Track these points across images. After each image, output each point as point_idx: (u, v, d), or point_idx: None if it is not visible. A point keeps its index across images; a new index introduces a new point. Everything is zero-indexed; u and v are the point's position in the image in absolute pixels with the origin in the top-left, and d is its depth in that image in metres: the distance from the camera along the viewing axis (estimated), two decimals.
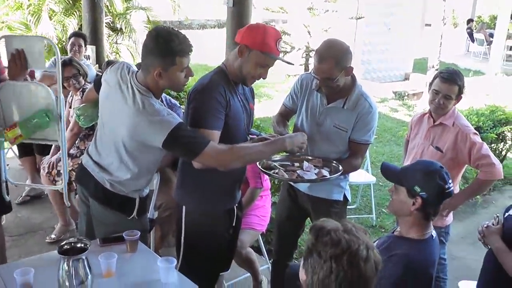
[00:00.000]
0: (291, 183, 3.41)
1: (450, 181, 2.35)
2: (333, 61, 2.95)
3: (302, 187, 3.35)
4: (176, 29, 2.61)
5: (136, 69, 2.75)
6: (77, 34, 6.09)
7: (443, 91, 3.40)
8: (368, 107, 3.12)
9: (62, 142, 3.72)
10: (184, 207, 2.90)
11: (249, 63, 2.73)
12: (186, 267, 2.92)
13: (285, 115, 3.49)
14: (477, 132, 3.53)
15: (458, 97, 3.45)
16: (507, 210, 2.76)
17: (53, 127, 3.64)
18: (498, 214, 2.77)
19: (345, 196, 3.34)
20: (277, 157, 3.31)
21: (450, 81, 3.38)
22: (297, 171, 3.04)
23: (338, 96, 3.13)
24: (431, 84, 3.52)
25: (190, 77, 2.68)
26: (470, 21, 20.00)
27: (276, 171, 3.04)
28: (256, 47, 2.69)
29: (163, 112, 2.55)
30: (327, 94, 3.17)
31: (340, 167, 3.04)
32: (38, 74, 5.11)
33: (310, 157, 3.19)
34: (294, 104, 3.40)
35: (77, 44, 5.80)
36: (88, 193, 2.89)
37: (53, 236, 4.53)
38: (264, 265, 4.18)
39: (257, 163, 3.06)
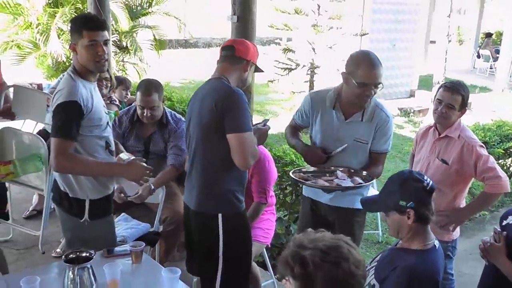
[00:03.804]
0: (312, 198, 3.50)
1: (425, 177, 2.37)
2: (382, 67, 3.13)
3: (324, 199, 3.40)
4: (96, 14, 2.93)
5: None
6: None
7: (445, 100, 3.39)
8: (385, 117, 3.27)
9: (47, 192, 3.83)
10: (220, 215, 2.92)
11: (251, 74, 3.07)
12: (230, 282, 3.00)
13: (296, 128, 3.63)
14: (483, 145, 3.50)
15: (462, 110, 3.42)
16: (504, 217, 2.72)
17: (43, 173, 3.83)
18: (498, 229, 2.71)
19: None
20: (310, 168, 3.41)
21: (453, 90, 3.38)
22: (334, 180, 3.15)
23: (354, 110, 3.24)
24: (435, 95, 3.52)
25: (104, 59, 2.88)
26: (489, 35, 19.81)
27: (314, 180, 3.18)
28: (255, 61, 3.06)
29: (69, 86, 2.79)
30: (343, 110, 3.26)
31: (370, 175, 3.21)
32: (46, 91, 5.23)
33: (340, 168, 3.29)
34: (304, 122, 3.52)
35: None
36: (53, 201, 3.05)
37: (58, 250, 4.53)
38: (269, 280, 4.17)
39: (291, 173, 3.29)
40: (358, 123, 3.25)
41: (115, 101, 5.20)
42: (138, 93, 3.97)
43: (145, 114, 3.97)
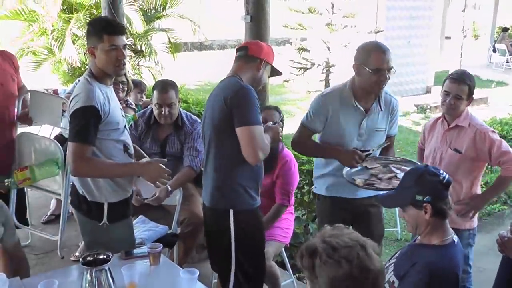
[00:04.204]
0: (341, 196, 3.44)
1: (441, 171, 2.36)
2: (390, 52, 3.21)
3: (350, 193, 3.39)
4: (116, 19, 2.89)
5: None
6: None
7: (453, 92, 3.43)
8: (395, 101, 3.44)
9: (64, 197, 3.86)
10: (231, 211, 2.91)
11: (265, 74, 3.07)
12: (244, 281, 2.99)
13: (310, 135, 3.47)
14: (495, 130, 3.54)
15: (469, 98, 3.47)
16: None
17: (60, 178, 3.87)
18: None
19: None
20: (351, 169, 3.29)
21: (459, 81, 3.42)
22: (397, 175, 3.17)
23: (370, 101, 3.30)
24: (442, 87, 3.55)
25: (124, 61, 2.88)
26: (505, 29, 19.58)
27: (386, 184, 3.12)
28: (271, 61, 3.08)
29: (86, 90, 2.79)
30: (361, 104, 3.28)
31: (409, 160, 3.42)
32: (62, 95, 5.27)
33: (368, 160, 3.32)
34: (322, 125, 3.37)
35: None
36: (72, 205, 3.07)
37: (77, 254, 4.54)
38: (288, 279, 4.15)
39: (360, 183, 3.14)
40: (377, 113, 3.33)
41: (132, 104, 5.21)
42: (155, 92, 3.98)
43: (163, 113, 3.96)
